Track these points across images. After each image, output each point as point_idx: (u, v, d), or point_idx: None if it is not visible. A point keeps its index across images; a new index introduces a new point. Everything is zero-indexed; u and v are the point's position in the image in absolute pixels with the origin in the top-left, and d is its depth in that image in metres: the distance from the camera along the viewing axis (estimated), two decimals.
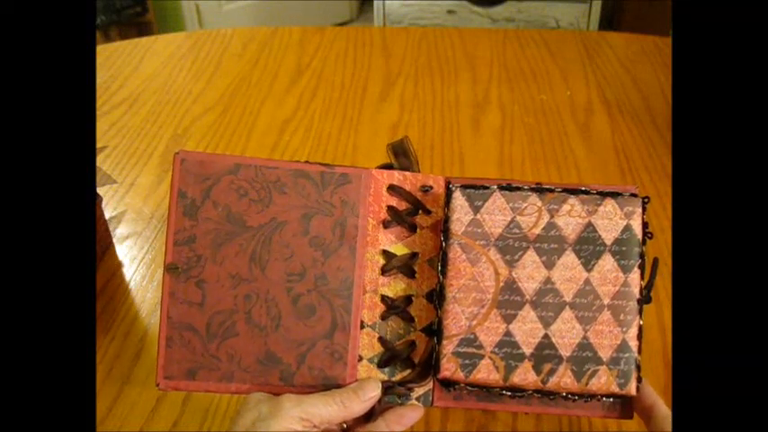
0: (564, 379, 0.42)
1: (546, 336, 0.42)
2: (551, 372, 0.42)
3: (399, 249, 0.45)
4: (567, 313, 0.42)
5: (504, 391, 0.43)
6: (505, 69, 1.01)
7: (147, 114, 0.91)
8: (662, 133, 0.85)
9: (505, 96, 0.94)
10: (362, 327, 0.44)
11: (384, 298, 0.45)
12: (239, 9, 2.68)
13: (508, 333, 0.43)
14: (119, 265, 0.66)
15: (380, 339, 0.44)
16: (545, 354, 0.42)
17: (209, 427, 0.51)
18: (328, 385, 0.43)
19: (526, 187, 0.44)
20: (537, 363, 0.42)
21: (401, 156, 0.46)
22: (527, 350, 0.42)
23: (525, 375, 0.42)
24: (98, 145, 0.84)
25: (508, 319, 0.43)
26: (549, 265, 0.43)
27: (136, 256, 0.67)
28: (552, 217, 0.43)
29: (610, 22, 2.48)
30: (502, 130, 0.86)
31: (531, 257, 0.43)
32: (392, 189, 0.45)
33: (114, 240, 0.69)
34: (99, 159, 0.82)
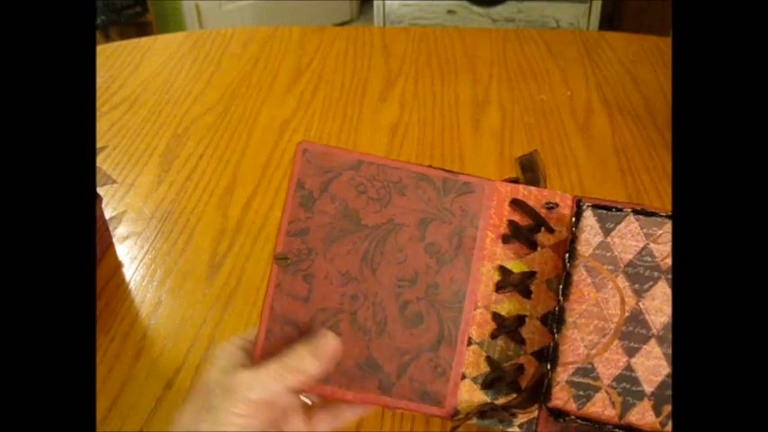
0: None
1: (670, 375, 0.40)
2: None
3: (517, 266, 0.43)
4: None
5: (615, 430, 0.40)
6: (505, 69, 1.01)
7: (147, 114, 0.91)
8: (662, 133, 0.85)
9: (505, 96, 0.94)
10: (470, 343, 0.42)
11: (495, 315, 0.42)
12: (239, 9, 2.68)
13: (629, 367, 0.40)
14: (119, 265, 0.66)
15: (488, 359, 0.42)
16: (667, 394, 0.39)
17: None
18: (427, 400, 0.42)
19: (662, 213, 0.41)
20: (657, 403, 0.39)
21: (528, 170, 0.45)
22: (648, 388, 0.40)
23: (643, 415, 0.40)
24: (98, 145, 0.84)
25: (630, 352, 0.40)
26: None
27: (136, 256, 0.67)
28: None
29: (610, 21, 2.48)
30: (502, 130, 0.86)
31: (662, 289, 0.40)
32: (515, 203, 0.43)
33: (114, 240, 0.69)
34: (99, 159, 0.82)
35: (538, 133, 0.85)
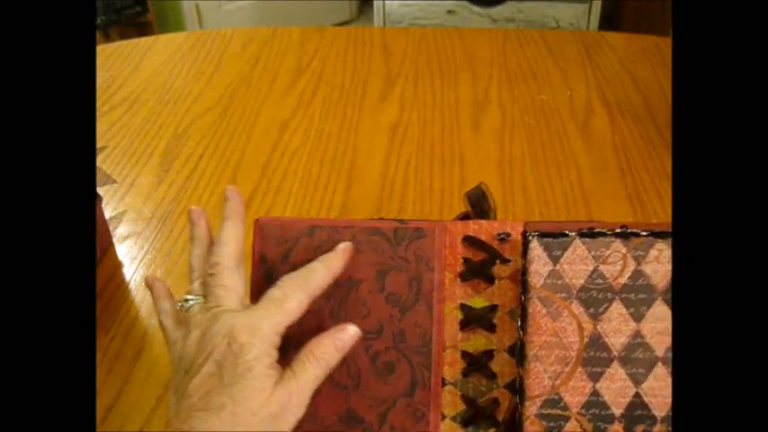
0: None
1: (637, 394, 0.40)
2: None
3: (478, 302, 0.43)
4: (660, 369, 0.40)
5: None
6: (505, 69, 1.01)
7: (147, 114, 0.91)
8: (662, 133, 0.85)
9: (505, 96, 0.94)
10: (444, 384, 0.43)
11: (464, 354, 0.43)
12: (239, 9, 2.68)
13: (595, 392, 0.40)
14: (119, 265, 0.66)
15: (463, 397, 0.43)
16: (637, 414, 0.40)
17: None
18: None
19: (609, 232, 0.40)
20: (628, 424, 0.40)
21: (476, 204, 0.45)
22: (617, 410, 0.40)
23: None
24: (98, 145, 0.84)
25: (594, 377, 0.40)
26: (638, 318, 0.40)
27: (136, 256, 0.67)
28: (639, 264, 0.40)
29: (610, 21, 2.49)
30: (502, 130, 0.86)
31: (617, 309, 0.40)
32: (467, 240, 0.43)
33: (114, 240, 0.69)
34: (99, 159, 0.82)
35: (538, 133, 0.85)
